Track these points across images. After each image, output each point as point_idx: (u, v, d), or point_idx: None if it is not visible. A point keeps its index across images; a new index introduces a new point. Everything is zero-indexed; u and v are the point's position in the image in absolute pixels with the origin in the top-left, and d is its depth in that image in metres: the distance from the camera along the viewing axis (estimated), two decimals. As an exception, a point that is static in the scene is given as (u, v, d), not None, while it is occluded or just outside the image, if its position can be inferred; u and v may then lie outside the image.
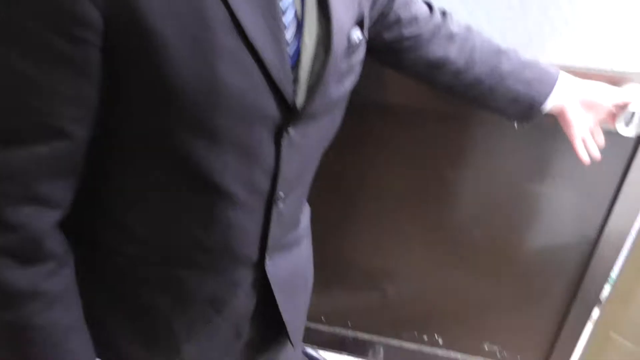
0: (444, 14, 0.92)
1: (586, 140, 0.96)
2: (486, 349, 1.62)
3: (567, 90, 0.90)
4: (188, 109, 0.54)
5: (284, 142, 0.64)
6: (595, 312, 1.42)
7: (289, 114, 0.62)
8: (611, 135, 1.14)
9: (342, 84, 0.68)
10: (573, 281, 1.42)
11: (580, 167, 1.19)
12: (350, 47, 0.67)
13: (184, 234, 0.66)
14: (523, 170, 1.29)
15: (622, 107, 0.98)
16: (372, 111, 1.26)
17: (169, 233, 0.67)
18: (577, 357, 0.97)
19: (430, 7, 0.91)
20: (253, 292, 0.77)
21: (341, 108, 0.74)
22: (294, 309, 0.86)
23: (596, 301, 1.42)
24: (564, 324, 1.48)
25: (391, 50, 0.88)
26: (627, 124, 1.01)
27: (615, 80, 1.07)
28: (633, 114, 1.00)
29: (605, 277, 1.37)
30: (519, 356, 1.61)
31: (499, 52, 0.90)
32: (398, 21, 0.85)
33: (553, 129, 1.12)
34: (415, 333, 1.66)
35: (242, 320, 0.79)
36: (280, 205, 0.70)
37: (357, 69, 0.71)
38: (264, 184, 0.66)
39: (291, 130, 0.63)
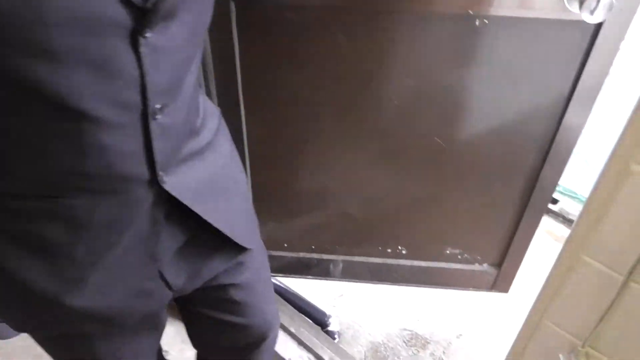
0: None
1: None
2: (448, 253, 1.66)
3: None
4: (10, 28, 0.48)
5: (143, 50, 0.57)
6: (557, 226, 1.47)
7: (140, 15, 0.55)
8: (566, 24, 1.10)
9: None
10: (527, 183, 1.45)
11: (535, 61, 1.18)
12: None
13: (59, 164, 0.62)
14: (472, 67, 1.22)
15: None
16: (293, 15, 1.15)
17: (42, 164, 0.62)
18: (545, 278, 0.99)
19: None
20: (158, 209, 0.73)
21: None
22: (225, 211, 0.84)
23: (548, 201, 1.47)
24: (518, 225, 1.54)
25: None
26: (592, 11, 0.96)
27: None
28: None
29: (558, 177, 1.41)
30: (478, 257, 1.67)
31: None
32: None
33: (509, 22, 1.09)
34: (379, 247, 1.66)
35: (152, 240, 0.75)
36: (160, 118, 0.65)
37: None
38: (133, 99, 0.61)
39: (148, 34, 0.57)
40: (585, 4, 0.94)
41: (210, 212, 0.79)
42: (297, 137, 1.40)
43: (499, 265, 1.68)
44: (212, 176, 0.82)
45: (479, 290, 1.80)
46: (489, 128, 1.33)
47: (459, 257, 1.68)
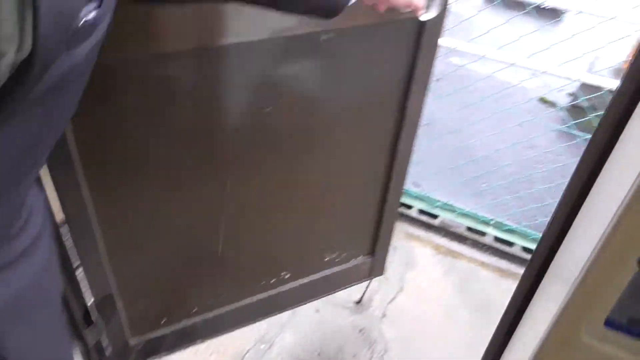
0: None
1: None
2: (327, 259, 1.65)
3: None
4: None
5: None
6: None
7: None
8: (393, 24, 1.17)
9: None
10: (380, 173, 1.52)
11: (367, 65, 1.24)
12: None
13: None
14: (321, 79, 1.22)
15: None
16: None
17: None
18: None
19: None
20: None
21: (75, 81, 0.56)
22: (26, 342, 0.71)
23: (403, 181, 1.57)
24: (382, 212, 1.62)
25: None
26: (428, 7, 1.03)
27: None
28: None
29: (408, 156, 1.51)
30: (353, 252, 1.70)
31: None
32: None
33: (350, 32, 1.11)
34: (263, 282, 1.56)
35: None
36: None
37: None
38: None
39: None
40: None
41: (8, 348, 0.66)
42: (149, 197, 1.20)
43: (372, 253, 1.75)
44: (20, 292, 0.67)
45: (360, 282, 1.84)
46: (342, 131, 1.35)
47: (337, 259, 1.69)
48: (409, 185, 2.57)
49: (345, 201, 1.53)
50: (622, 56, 3.35)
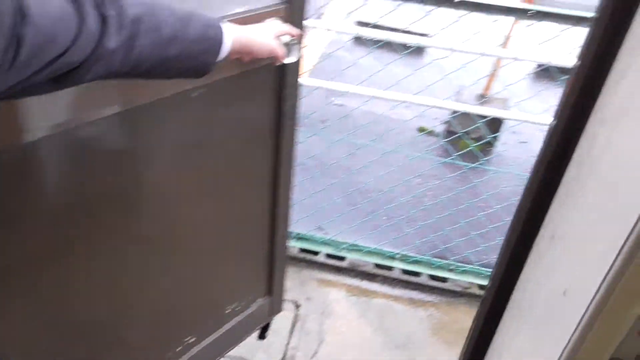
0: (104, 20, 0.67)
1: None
2: (228, 312, 1.60)
3: (231, 43, 0.89)
4: None
5: None
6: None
7: None
8: (258, 70, 1.19)
9: None
10: (267, 217, 1.53)
11: (239, 112, 1.26)
12: None
13: None
14: (197, 129, 1.20)
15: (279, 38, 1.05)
16: None
17: None
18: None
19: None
20: None
21: None
22: None
23: (287, 217, 1.61)
24: (272, 253, 1.62)
25: None
26: (289, 53, 1.10)
27: (256, 19, 1.09)
28: (289, 44, 1.09)
29: (288, 186, 1.52)
30: (251, 298, 1.66)
31: (167, 40, 0.77)
32: None
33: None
34: (169, 353, 1.44)
35: None
36: None
37: None
38: None
39: None
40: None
41: None
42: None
43: (269, 293, 1.72)
44: None
45: (263, 323, 1.80)
46: (223, 180, 1.33)
47: (238, 308, 1.63)
48: (313, 230, 2.56)
49: (235, 249, 1.50)
50: (481, 84, 3.70)
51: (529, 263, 0.88)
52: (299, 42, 1.14)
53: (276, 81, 1.30)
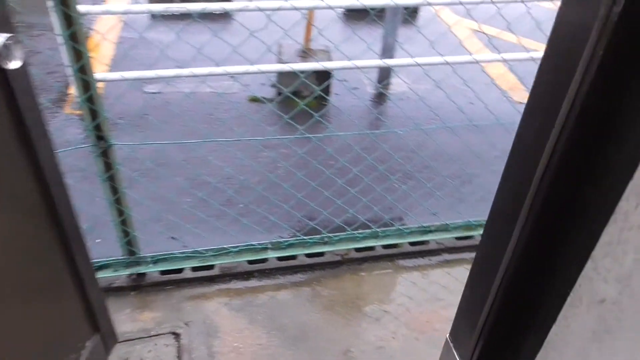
0: None
1: None
2: None
3: None
4: None
5: None
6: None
7: None
8: None
9: None
10: (58, 254, 1.35)
11: None
12: None
13: None
14: None
15: None
16: None
17: None
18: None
19: None
20: None
21: None
22: None
23: (89, 260, 1.46)
24: (86, 296, 1.48)
25: None
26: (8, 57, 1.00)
27: None
28: (6, 45, 0.99)
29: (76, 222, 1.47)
30: (79, 344, 1.51)
31: None
32: None
33: None
34: None
35: None
36: None
37: None
38: None
39: None
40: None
41: None
42: None
43: (97, 330, 1.60)
44: None
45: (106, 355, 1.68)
46: None
47: (90, 345, 1.51)
48: (167, 244, 2.27)
49: (41, 299, 1.32)
50: (299, 39, 3.59)
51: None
52: (18, 41, 1.03)
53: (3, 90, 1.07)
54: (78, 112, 3.34)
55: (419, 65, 2.07)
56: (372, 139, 2.91)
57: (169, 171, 2.81)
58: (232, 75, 2.81)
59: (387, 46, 3.54)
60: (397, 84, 3.71)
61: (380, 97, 3.68)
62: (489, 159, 2.89)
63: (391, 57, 3.52)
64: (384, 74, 3.71)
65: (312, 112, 2.29)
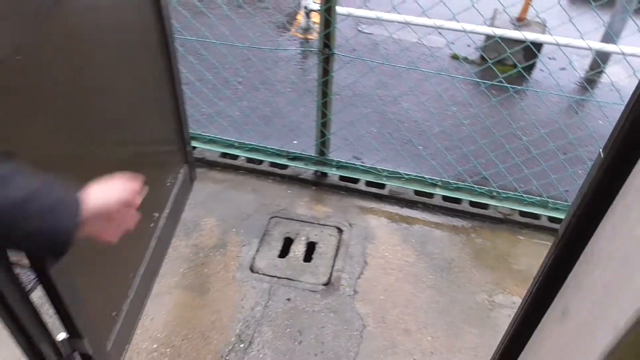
0: None
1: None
2: (168, 184, 1.88)
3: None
4: None
5: None
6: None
7: None
8: None
9: None
10: (170, 106, 1.84)
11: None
12: None
13: None
14: None
15: None
16: None
17: None
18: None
19: None
20: None
21: None
22: None
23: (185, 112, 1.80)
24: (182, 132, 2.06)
25: None
26: None
27: None
28: None
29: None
30: (177, 168, 1.99)
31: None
32: None
33: None
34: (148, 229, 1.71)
35: None
36: None
37: None
38: None
39: None
40: None
41: None
42: None
43: (186, 162, 2.10)
44: None
45: (189, 192, 2.17)
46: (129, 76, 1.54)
47: (173, 180, 1.95)
48: (351, 158, 2.54)
49: (157, 131, 1.82)
50: (517, 8, 3.53)
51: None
52: None
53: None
54: (301, 35, 3.77)
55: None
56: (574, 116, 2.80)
57: (363, 100, 3.09)
58: (440, 32, 2.93)
59: (610, 33, 3.29)
60: (611, 74, 3.44)
61: (588, 84, 3.46)
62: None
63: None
64: (600, 60, 3.47)
65: (508, 85, 2.31)
